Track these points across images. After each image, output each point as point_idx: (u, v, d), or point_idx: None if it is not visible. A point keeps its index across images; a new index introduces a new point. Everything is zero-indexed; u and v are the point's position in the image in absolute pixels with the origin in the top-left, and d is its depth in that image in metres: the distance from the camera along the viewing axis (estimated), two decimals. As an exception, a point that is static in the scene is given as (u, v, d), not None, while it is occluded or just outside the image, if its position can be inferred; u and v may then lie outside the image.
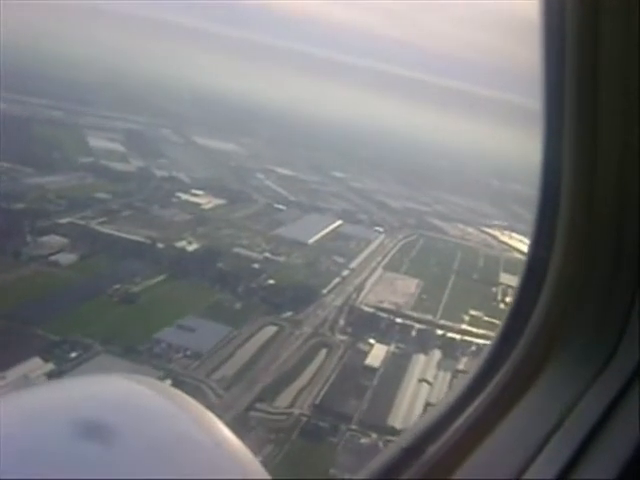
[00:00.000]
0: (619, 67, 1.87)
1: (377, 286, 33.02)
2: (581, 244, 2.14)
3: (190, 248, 31.81)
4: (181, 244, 31.94)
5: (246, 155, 50.30)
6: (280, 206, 40.70)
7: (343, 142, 54.09)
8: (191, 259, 30.71)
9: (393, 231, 41.02)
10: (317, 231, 37.77)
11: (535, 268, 2.23)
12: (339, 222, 40.07)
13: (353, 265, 34.80)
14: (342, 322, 28.57)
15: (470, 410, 2.12)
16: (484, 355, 2.29)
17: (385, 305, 30.76)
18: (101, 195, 35.60)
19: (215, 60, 71.34)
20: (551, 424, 2.03)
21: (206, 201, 38.41)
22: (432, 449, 2.01)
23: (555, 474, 1.87)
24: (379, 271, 35.07)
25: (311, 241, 36.29)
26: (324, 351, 26.38)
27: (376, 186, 48.61)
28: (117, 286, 26.97)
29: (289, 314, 28.19)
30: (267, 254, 33.23)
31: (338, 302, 30.17)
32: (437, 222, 44.45)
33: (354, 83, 60.17)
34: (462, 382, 2.28)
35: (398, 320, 29.65)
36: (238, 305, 28.10)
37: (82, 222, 31.85)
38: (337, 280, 32.55)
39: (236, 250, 32.79)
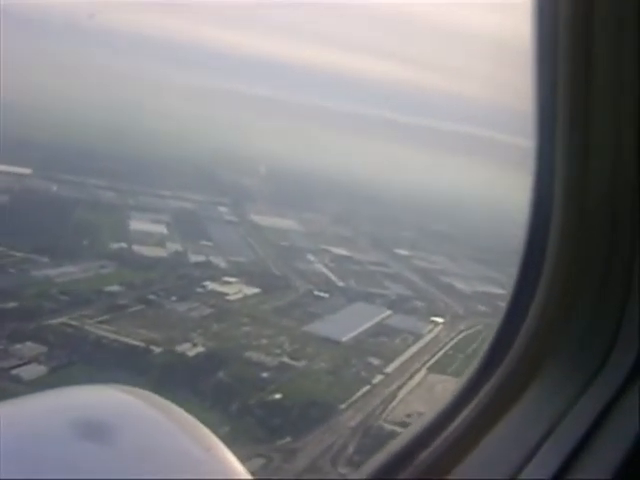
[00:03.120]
0: (612, 72, 1.89)
1: (412, 394, 27.52)
2: (573, 252, 2.16)
3: (192, 353, 27.59)
4: (183, 347, 27.80)
5: (303, 233, 46.10)
6: (322, 294, 35.89)
7: (414, 215, 48.93)
8: (188, 367, 26.45)
9: (455, 321, 35.25)
10: (358, 325, 32.68)
11: (527, 276, 2.27)
12: (388, 312, 34.72)
13: (390, 369, 29.40)
14: (351, 449, 23.29)
15: (462, 417, 2.11)
16: (477, 362, 2.30)
17: (412, 420, 25.20)
18: (113, 288, 32.23)
19: (295, 130, 68.64)
20: (543, 431, 2.03)
21: (235, 290, 34.25)
22: (423, 455, 1.99)
23: None
24: (421, 374, 29.48)
25: (346, 338, 31.24)
26: (316, 494, 21.24)
27: (445, 265, 42.92)
28: (79, 407, 22.99)
29: (286, 440, 23.21)
30: (284, 358, 28.47)
31: (355, 421, 24.94)
32: (514, 307, 38.09)
33: (429, 148, 55.42)
34: (455, 389, 2.25)
35: (425, 442, 23.95)
36: (226, 429, 23.37)
37: (76, 323, 28.39)
38: (364, 390, 27.30)
39: (248, 354, 28.25)
